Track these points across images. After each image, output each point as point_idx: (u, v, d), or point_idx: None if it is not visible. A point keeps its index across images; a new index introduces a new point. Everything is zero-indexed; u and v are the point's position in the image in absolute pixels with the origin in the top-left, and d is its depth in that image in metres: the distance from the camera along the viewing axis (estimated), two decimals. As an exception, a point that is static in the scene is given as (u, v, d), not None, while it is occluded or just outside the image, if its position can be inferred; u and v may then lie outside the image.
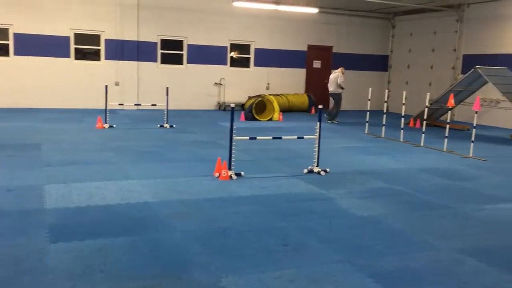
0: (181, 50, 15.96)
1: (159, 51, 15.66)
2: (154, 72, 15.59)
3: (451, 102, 9.87)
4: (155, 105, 12.13)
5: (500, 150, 10.12)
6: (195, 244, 4.17)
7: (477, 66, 11.70)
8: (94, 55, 15.11)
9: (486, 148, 10.09)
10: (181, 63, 16.03)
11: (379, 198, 5.93)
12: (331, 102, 14.31)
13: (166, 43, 15.79)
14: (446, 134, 9.58)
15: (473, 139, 9.05)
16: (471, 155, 8.97)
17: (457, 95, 12.28)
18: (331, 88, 13.89)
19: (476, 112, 9.06)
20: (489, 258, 4.09)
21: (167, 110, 11.64)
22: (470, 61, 14.44)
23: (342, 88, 13.84)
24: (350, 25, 17.91)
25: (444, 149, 9.48)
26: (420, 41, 17.21)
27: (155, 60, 15.61)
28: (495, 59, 13.85)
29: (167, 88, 11.76)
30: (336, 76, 13.82)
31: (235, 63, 16.84)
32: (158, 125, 11.58)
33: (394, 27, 18.45)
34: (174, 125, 11.63)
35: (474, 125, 9.13)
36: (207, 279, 3.50)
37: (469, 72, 11.96)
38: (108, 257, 3.80)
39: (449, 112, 10.00)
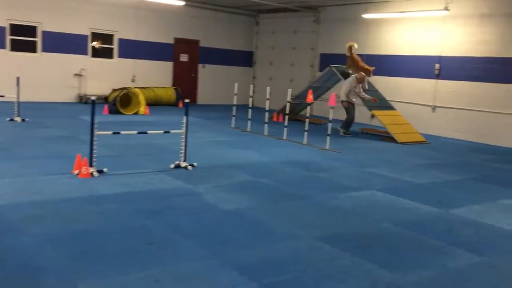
0: (35, 36, 14.61)
1: (8, 37, 14.14)
2: (3, 60, 14.05)
3: (310, 97, 10.52)
4: (3, 96, 10.92)
5: (352, 142, 11.06)
6: (49, 249, 3.82)
7: (331, 65, 12.62)
8: None
9: (340, 141, 10.94)
10: (34, 51, 14.68)
11: (245, 191, 6.06)
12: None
13: (17, 29, 14.32)
14: (306, 128, 10.17)
15: (329, 132, 9.73)
16: (327, 147, 9.65)
17: (315, 91, 13.13)
18: (342, 96, 11.79)
19: (332, 107, 9.77)
20: (343, 244, 4.42)
21: (18, 102, 10.56)
22: (326, 60, 15.52)
23: (361, 98, 11.72)
24: (216, 20, 18.07)
25: (304, 142, 10.06)
26: (282, 39, 18.05)
27: (3, 47, 14.06)
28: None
29: (18, 77, 10.65)
30: (349, 81, 11.74)
31: (97, 53, 15.92)
32: (8, 119, 10.46)
33: (258, 24, 19.08)
34: (27, 119, 10.60)
35: (330, 119, 9.84)
36: (61, 286, 3.22)
37: (325, 70, 12.87)
38: None
39: (308, 107, 10.64)
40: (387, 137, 11.62)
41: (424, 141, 11.63)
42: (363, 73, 11.70)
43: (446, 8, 12.64)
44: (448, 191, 6.87)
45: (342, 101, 11.75)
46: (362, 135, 12.49)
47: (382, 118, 11.70)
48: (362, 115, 14.54)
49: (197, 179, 6.44)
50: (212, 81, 18.24)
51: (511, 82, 11.63)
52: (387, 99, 12.71)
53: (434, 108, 13.29)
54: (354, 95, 11.73)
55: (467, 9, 12.42)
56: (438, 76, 13.16)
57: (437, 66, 13.12)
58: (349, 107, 11.77)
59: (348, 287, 3.52)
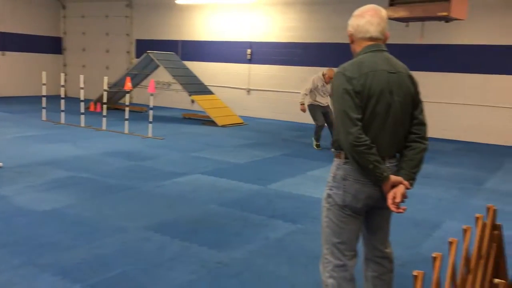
0: None
1: None
2: None
3: (129, 85, 10.20)
4: None
5: (175, 128, 11.10)
6: None
7: (148, 51, 12.41)
8: None
9: (163, 127, 10.88)
10: None
11: (62, 188, 5.62)
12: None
13: None
14: (127, 117, 9.85)
15: (151, 120, 9.59)
16: (150, 135, 9.51)
17: (133, 78, 12.78)
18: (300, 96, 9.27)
19: (152, 94, 9.63)
20: (172, 230, 4.43)
21: None
22: (142, 46, 15.18)
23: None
24: (15, 2, 16.14)
25: (126, 131, 9.74)
26: (93, 24, 17.02)
27: None
28: (164, 44, 14.99)
29: None
30: (313, 78, 9.13)
31: None
32: None
33: (65, 8, 17.65)
34: None
35: (151, 106, 9.69)
36: None
37: (142, 57, 12.59)
38: None
39: (128, 95, 10.30)
40: (207, 121, 11.94)
41: (242, 123, 12.28)
42: (333, 70, 8.69)
43: (253, -4, 13.42)
44: (266, 167, 7.40)
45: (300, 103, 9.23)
46: (184, 120, 12.62)
47: (202, 103, 11.98)
48: (183, 100, 14.69)
49: (4, 181, 5.75)
50: (14, 70, 16.31)
51: (311, 65, 12.96)
52: (205, 84, 13.04)
53: (248, 91, 14.08)
54: (322, 95, 9.09)
55: (272, -2, 13.38)
56: (250, 61, 13.95)
57: (249, 51, 13.89)
58: (314, 110, 9.18)
59: (179, 273, 3.55)
